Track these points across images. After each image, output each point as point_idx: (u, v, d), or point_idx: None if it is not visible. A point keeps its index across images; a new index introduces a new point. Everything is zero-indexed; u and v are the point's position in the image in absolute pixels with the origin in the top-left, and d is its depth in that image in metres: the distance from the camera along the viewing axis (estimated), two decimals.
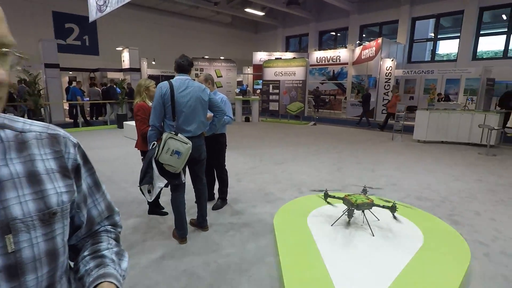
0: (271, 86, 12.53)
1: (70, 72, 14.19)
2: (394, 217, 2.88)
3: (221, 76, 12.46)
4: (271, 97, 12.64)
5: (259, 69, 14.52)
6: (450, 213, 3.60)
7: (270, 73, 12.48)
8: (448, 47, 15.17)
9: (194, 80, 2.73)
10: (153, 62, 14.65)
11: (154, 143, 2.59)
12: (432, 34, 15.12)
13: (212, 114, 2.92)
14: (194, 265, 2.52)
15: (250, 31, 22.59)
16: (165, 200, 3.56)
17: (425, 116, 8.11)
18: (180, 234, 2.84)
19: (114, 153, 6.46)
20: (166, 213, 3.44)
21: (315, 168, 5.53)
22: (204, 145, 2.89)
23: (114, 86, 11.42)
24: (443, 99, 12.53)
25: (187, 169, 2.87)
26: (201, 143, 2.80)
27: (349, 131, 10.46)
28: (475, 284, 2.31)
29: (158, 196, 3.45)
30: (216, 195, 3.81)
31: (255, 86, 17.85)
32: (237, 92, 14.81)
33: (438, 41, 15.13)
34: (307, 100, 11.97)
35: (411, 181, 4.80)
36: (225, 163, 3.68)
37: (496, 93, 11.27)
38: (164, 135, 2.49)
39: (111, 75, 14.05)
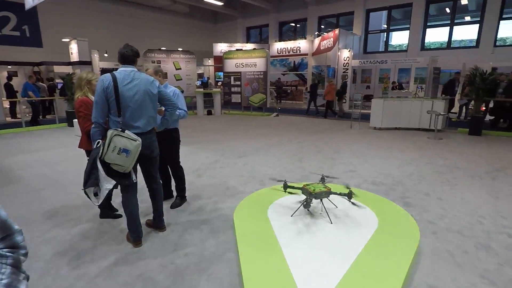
0: (232, 78, 12.36)
1: (9, 66, 12.87)
2: (352, 203, 2.96)
3: (180, 69, 12.03)
4: (233, 89, 12.48)
5: (220, 60, 14.24)
6: (403, 196, 3.79)
7: (231, 65, 12.29)
8: (399, 38, 15.97)
9: (140, 72, 2.54)
10: (106, 55, 13.74)
11: (98, 142, 2.38)
12: (385, 26, 15.81)
13: (164, 109, 2.75)
14: (149, 268, 2.39)
15: (209, 22, 22.05)
16: (119, 201, 3.34)
17: (380, 104, 8.48)
18: (134, 237, 2.67)
19: (63, 154, 5.97)
20: (119, 216, 3.23)
21: (277, 159, 5.55)
22: (156, 142, 2.72)
23: (62, 81, 10.55)
24: (397, 87, 13.24)
25: (138, 167, 2.70)
26: (152, 140, 2.64)
27: (310, 121, 10.67)
28: (425, 261, 2.44)
29: (109, 198, 3.24)
30: (175, 193, 3.65)
31: (217, 78, 17.54)
32: (198, 84, 14.44)
33: (390, 33, 15.87)
34: (269, 92, 11.98)
35: (368, 167, 4.99)
36: (180, 159, 3.52)
37: (441, 81, 12.12)
38: (109, 133, 2.30)
39: (58, 69, 12.96)
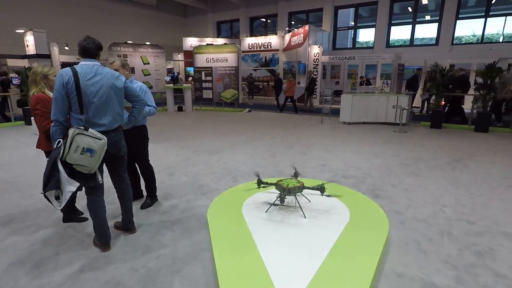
0: (203, 73, 12.14)
1: None
2: (327, 196, 3.01)
3: (148, 63, 11.60)
4: (204, 84, 12.26)
5: (190, 55, 13.92)
6: (372, 188, 3.92)
7: (201, 60, 12.06)
8: (366, 35, 16.50)
9: (104, 66, 2.39)
10: (66, 48, 12.92)
11: (59, 141, 2.22)
12: (353, 23, 16.26)
13: (131, 105, 2.62)
14: (119, 273, 2.28)
15: (178, 15, 21.46)
16: (84, 203, 3.15)
17: (349, 99, 8.72)
18: (102, 241, 2.54)
19: (20, 154, 5.55)
20: (85, 219, 3.06)
21: (250, 155, 5.53)
22: (123, 140, 2.59)
23: (17, 75, 9.78)
24: (365, 82, 13.70)
25: (104, 167, 2.55)
26: (118, 138, 2.50)
27: (282, 116, 10.76)
28: (393, 250, 2.54)
29: (73, 201, 3.05)
30: (145, 193, 3.52)
31: (187, 74, 17.16)
32: (167, 80, 14.05)
33: (357, 30, 16.36)
34: (241, 87, 11.91)
35: (338, 161, 5.12)
36: (149, 158, 3.39)
37: (405, 77, 12.71)
38: (71, 131, 2.14)
39: (12, 62, 12.00)
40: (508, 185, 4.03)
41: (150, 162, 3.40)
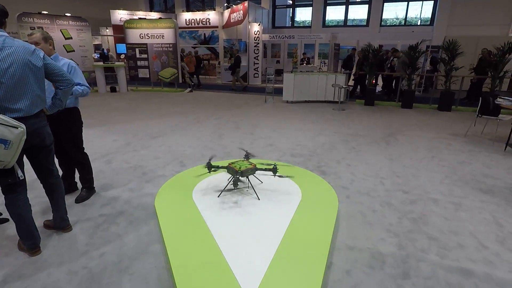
0: (137, 50, 11.14)
1: None
2: (279, 176, 3.01)
3: (71, 38, 10.18)
4: (139, 62, 11.30)
5: (120, 30, 12.61)
6: (318, 165, 4.07)
7: (134, 35, 11.01)
8: (304, 14, 16.79)
9: (14, 38, 1.95)
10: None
11: None
12: (290, 1, 16.36)
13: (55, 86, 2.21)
14: (54, 279, 1.99)
15: None
16: (2, 201, 2.67)
17: (291, 78, 8.87)
18: (29, 244, 2.18)
19: None
20: (5, 220, 2.60)
21: (196, 137, 5.30)
22: (48, 127, 2.20)
23: None
24: (307, 60, 14.04)
25: (26, 160, 2.15)
26: (41, 125, 2.11)
27: (225, 96, 10.54)
28: (343, 224, 2.67)
29: None
30: (80, 185, 3.12)
31: (119, 51, 15.60)
32: (96, 57, 12.63)
33: (295, 8, 16.53)
34: (180, 66, 11.26)
35: (285, 140, 5.20)
36: (84, 145, 2.99)
37: (341, 56, 13.38)
38: None
39: None
40: (432, 156, 4.54)
41: (85, 150, 2.99)
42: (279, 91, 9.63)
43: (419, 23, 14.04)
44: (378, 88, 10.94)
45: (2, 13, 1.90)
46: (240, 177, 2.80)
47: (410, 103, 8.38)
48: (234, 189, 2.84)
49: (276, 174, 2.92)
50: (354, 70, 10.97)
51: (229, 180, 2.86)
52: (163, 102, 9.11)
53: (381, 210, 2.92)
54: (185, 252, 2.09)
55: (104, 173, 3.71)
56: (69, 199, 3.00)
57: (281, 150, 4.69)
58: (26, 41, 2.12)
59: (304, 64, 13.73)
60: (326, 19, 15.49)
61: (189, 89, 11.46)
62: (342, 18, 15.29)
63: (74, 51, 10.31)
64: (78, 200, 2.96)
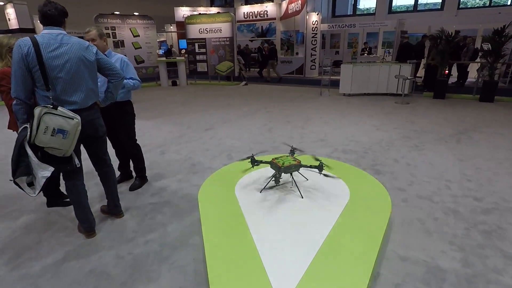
0: (196, 45, 11.60)
1: None
2: (324, 175, 2.82)
3: (138, 36, 11.03)
4: (198, 57, 11.76)
5: (182, 26, 13.26)
6: (373, 163, 3.74)
7: (194, 31, 11.47)
8: (367, 1, 15.67)
9: (71, 36, 2.10)
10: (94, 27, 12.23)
11: (25, 123, 1.98)
12: None
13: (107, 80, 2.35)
14: (104, 262, 2.13)
15: None
16: None
17: (349, 70, 8.35)
18: (85, 227, 2.38)
19: (2, 135, 5.32)
20: (70, 203, 2.89)
21: (246, 130, 5.31)
22: (101, 119, 2.35)
23: None
24: (368, 49, 13.13)
25: (83, 149, 2.34)
26: (94, 117, 2.26)
27: (279, 89, 10.40)
28: (396, 231, 2.39)
29: (57, 184, 2.87)
30: (134, 174, 3.33)
31: (181, 46, 16.47)
32: (160, 53, 13.49)
33: None
34: (236, 59, 11.43)
35: (338, 135, 4.90)
36: (137, 136, 3.17)
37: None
38: (37, 111, 1.90)
39: None
40: None
41: (137, 141, 3.18)
42: (336, 84, 9.17)
43: (509, 2, 12.03)
44: (453, 80, 9.72)
45: (62, 13, 2.05)
46: (283, 173, 2.68)
47: (491, 96, 7.25)
48: (276, 185, 2.74)
49: (322, 172, 2.74)
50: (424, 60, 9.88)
51: (272, 176, 2.77)
52: (218, 95, 9.35)
53: (445, 219, 2.54)
54: (222, 248, 2.06)
55: (157, 163, 3.91)
56: (124, 187, 3.23)
57: (332, 145, 4.43)
58: (81, 37, 2.28)
59: (365, 54, 12.85)
60: (393, 4, 14.22)
61: (244, 82, 11.59)
62: (412, 2, 13.87)
63: (141, 48, 11.16)
64: (131, 188, 3.16)
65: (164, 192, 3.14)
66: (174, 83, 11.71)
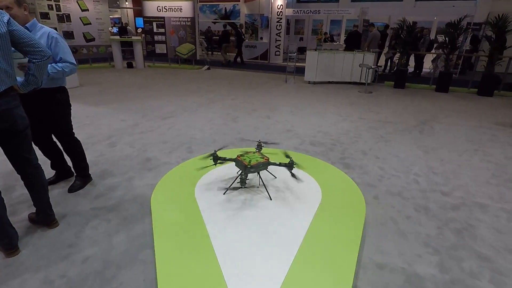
0: (154, 24, 10.70)
1: None
2: (292, 175, 2.58)
3: (87, 10, 9.85)
4: (156, 37, 10.89)
5: (140, 3, 12.15)
6: (342, 156, 3.59)
7: (151, 8, 10.54)
8: None
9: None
10: None
11: None
12: None
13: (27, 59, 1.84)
14: None
15: None
16: None
17: (314, 57, 8.19)
18: (3, 244, 1.90)
19: None
20: None
21: (208, 119, 4.91)
22: (20, 108, 1.85)
23: None
24: (329, 38, 13.14)
25: None
26: (10, 105, 1.76)
27: (244, 74, 10.01)
28: (370, 233, 2.24)
29: None
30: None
31: (138, 25, 15.23)
32: (114, 32, 12.31)
33: None
34: (198, 41, 10.76)
35: (305, 125, 4.71)
36: (81, 125, 2.66)
37: (369, 34, 12.31)
38: None
39: None
40: (474, 149, 3.93)
41: (75, 135, 2.66)
42: (301, 71, 8.99)
43: None
44: (410, 70, 10.02)
45: None
46: (249, 172, 2.40)
47: (446, 87, 7.55)
48: (242, 187, 2.45)
49: (292, 171, 2.50)
50: (385, 49, 10.06)
51: (237, 176, 2.47)
52: (178, 79, 8.73)
53: (417, 217, 2.44)
54: (177, 266, 1.74)
55: (105, 157, 3.42)
56: (62, 188, 2.73)
57: (300, 137, 4.22)
58: None
59: (328, 42, 12.83)
60: None
61: (206, 66, 11.00)
62: None
63: (90, 23, 10.03)
64: (70, 190, 2.67)
65: (111, 193, 2.70)
66: (130, 65, 10.77)
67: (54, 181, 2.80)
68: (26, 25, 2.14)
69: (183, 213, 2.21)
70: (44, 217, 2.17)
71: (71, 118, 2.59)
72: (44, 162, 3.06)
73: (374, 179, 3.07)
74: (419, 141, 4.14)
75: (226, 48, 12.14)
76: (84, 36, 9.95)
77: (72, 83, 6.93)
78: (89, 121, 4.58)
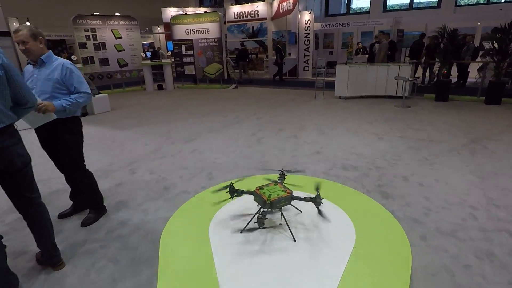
0: (183, 46, 10.96)
1: None
2: (319, 212, 2.23)
3: (121, 37, 10.35)
4: (185, 59, 11.13)
5: (169, 27, 12.62)
6: (379, 183, 3.16)
7: (180, 31, 10.84)
8: (361, 0, 15.18)
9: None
10: (27, 23, 11.51)
11: None
12: None
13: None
14: None
15: None
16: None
17: (345, 71, 7.79)
18: None
19: None
20: None
21: (232, 141, 4.70)
22: (19, 145, 1.73)
23: None
24: (362, 50, 12.63)
25: None
26: (7, 144, 1.64)
27: (271, 92, 9.81)
28: (417, 286, 1.81)
29: None
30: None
31: (169, 48, 15.79)
32: (146, 56, 12.81)
33: None
34: (225, 61, 10.82)
35: (336, 146, 4.32)
36: (84, 161, 2.52)
37: (404, 44, 11.69)
38: None
39: None
40: None
41: (86, 167, 2.54)
42: (331, 86, 8.61)
43: None
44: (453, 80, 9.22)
45: None
46: (269, 209, 2.08)
47: (498, 98, 6.74)
48: (260, 228, 2.13)
49: (319, 207, 2.15)
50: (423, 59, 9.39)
51: (256, 212, 2.17)
52: (205, 99, 8.73)
53: (479, 266, 1.97)
54: None
55: (124, 186, 3.29)
56: (76, 221, 2.60)
57: (330, 160, 3.84)
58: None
59: (360, 54, 12.33)
60: (388, 3, 13.75)
61: (234, 85, 10.99)
62: (407, 0, 13.42)
63: (124, 50, 10.49)
64: (84, 224, 2.54)
65: (123, 228, 2.52)
66: (160, 87, 11.06)
67: (70, 213, 2.69)
68: (41, 57, 2.11)
69: (194, 255, 1.94)
70: (48, 258, 2.01)
71: (83, 149, 2.48)
72: (65, 190, 3.00)
73: (419, 212, 2.61)
74: (471, 164, 3.58)
75: (244, 66, 12.15)
76: (118, 62, 10.42)
77: (104, 107, 7.14)
78: (114, 146, 4.57)
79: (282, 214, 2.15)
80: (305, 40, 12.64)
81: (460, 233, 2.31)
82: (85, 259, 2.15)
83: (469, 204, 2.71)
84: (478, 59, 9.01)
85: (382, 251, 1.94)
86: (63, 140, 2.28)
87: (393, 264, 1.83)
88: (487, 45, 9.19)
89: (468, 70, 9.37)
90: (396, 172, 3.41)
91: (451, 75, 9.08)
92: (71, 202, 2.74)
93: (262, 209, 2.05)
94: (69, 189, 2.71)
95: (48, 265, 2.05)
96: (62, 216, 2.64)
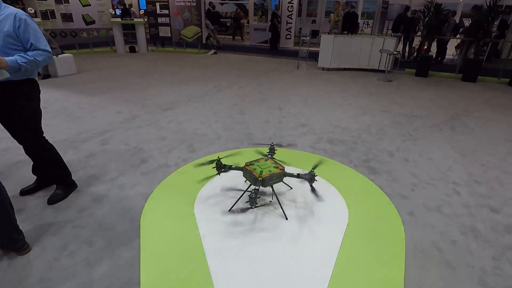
0: (157, 5, 10.09)
1: None
2: (313, 190, 2.14)
3: None
4: (160, 19, 10.30)
5: None
6: (366, 158, 3.12)
7: None
8: None
9: None
10: None
11: None
12: None
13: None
14: None
15: None
16: None
17: (329, 41, 7.55)
18: None
19: None
20: None
21: (212, 111, 4.45)
22: None
23: None
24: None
25: None
26: None
27: (253, 60, 9.42)
28: (409, 262, 1.80)
29: None
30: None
31: (142, 6, 14.54)
32: (116, 13, 11.72)
33: None
34: (204, 24, 10.14)
35: (321, 119, 4.22)
36: (43, 132, 2.19)
37: (388, 16, 11.52)
38: None
39: None
40: None
41: (45, 137, 2.21)
42: (312, 56, 8.38)
43: None
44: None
45: None
46: (261, 186, 1.95)
47: (474, 76, 6.88)
48: (252, 207, 2.01)
49: (312, 185, 2.05)
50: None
51: (245, 190, 2.04)
52: (183, 65, 8.22)
53: (465, 242, 1.99)
54: None
55: (95, 158, 3.01)
56: (42, 198, 2.35)
57: (316, 133, 3.75)
58: None
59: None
60: None
61: (213, 51, 10.43)
62: None
63: (90, 5, 9.49)
64: (50, 201, 2.28)
65: (97, 205, 2.30)
66: (133, 50, 10.25)
67: (34, 189, 2.41)
68: None
69: (179, 235, 1.80)
70: (10, 243, 1.78)
71: (41, 117, 2.14)
72: (26, 162, 2.69)
73: (406, 188, 2.60)
74: (452, 141, 3.63)
75: (214, 31, 11.11)
76: (84, 19, 9.44)
77: (69, 69, 6.50)
78: (82, 113, 4.16)
79: (273, 191, 2.03)
80: (288, 6, 12.08)
81: (446, 209, 2.33)
82: (54, 241, 1.94)
83: (452, 180, 2.75)
84: (458, 36, 9.07)
85: (375, 229, 1.90)
86: (17, 108, 1.95)
87: (387, 242, 1.79)
88: (467, 22, 9.25)
89: (447, 46, 9.45)
90: (381, 147, 3.39)
91: (430, 51, 9.13)
92: (34, 177, 2.45)
93: (253, 187, 1.92)
94: (32, 162, 2.41)
95: (12, 250, 1.83)
96: (24, 192, 2.35)
